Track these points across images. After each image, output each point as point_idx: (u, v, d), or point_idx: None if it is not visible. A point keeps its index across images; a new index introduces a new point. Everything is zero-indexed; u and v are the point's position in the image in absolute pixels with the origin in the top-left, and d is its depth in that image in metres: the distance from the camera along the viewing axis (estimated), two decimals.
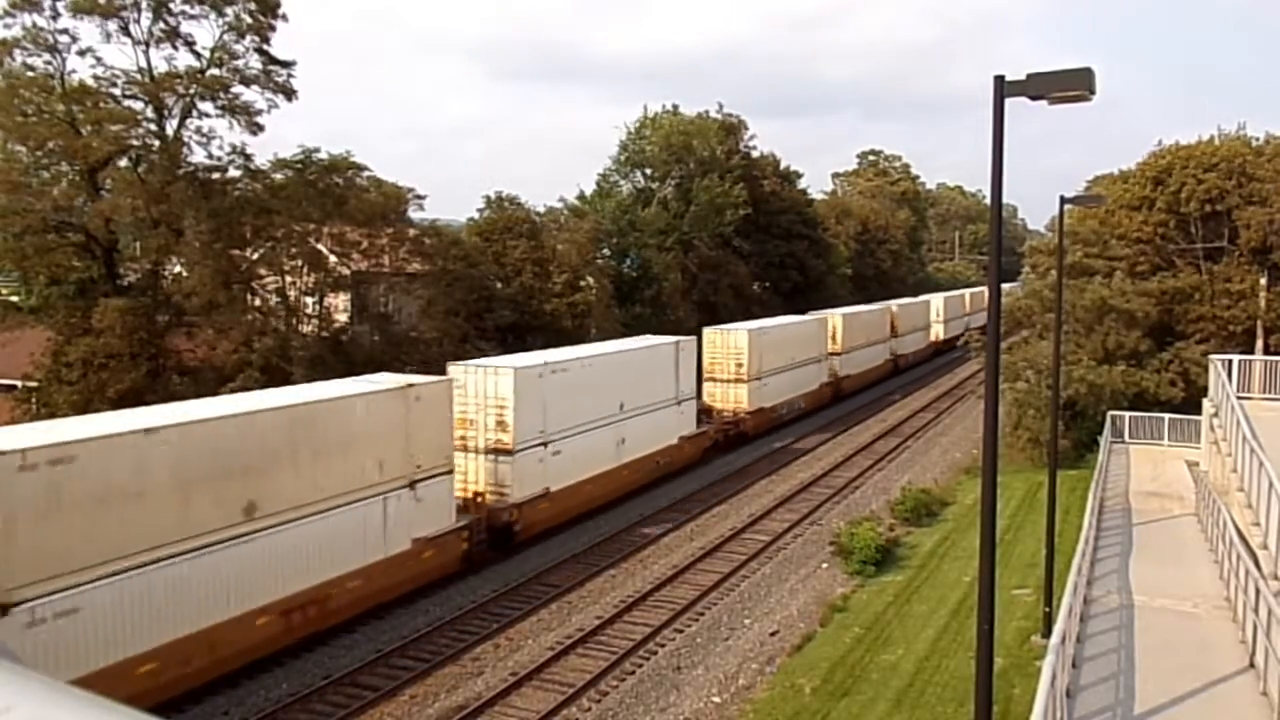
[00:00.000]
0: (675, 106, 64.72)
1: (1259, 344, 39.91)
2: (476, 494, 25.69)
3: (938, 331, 78.63)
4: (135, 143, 30.41)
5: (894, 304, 68.91)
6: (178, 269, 33.23)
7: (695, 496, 33.15)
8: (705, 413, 39.76)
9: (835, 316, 54.37)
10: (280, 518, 18.81)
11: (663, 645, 20.83)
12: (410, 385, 22.70)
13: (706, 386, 40.99)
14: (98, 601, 15.45)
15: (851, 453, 40.96)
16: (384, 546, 21.66)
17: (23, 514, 14.54)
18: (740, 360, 41.12)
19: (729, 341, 41.34)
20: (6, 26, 28.82)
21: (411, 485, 22.47)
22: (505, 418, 26.19)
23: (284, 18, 31.97)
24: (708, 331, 41.94)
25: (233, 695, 17.97)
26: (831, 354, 52.38)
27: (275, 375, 29.17)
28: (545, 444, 27.47)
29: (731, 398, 41.26)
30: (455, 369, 26.63)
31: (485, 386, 26.24)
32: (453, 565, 24.12)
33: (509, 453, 26.25)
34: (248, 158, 32.08)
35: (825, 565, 26.42)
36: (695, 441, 37.28)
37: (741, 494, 33.89)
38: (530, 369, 27.28)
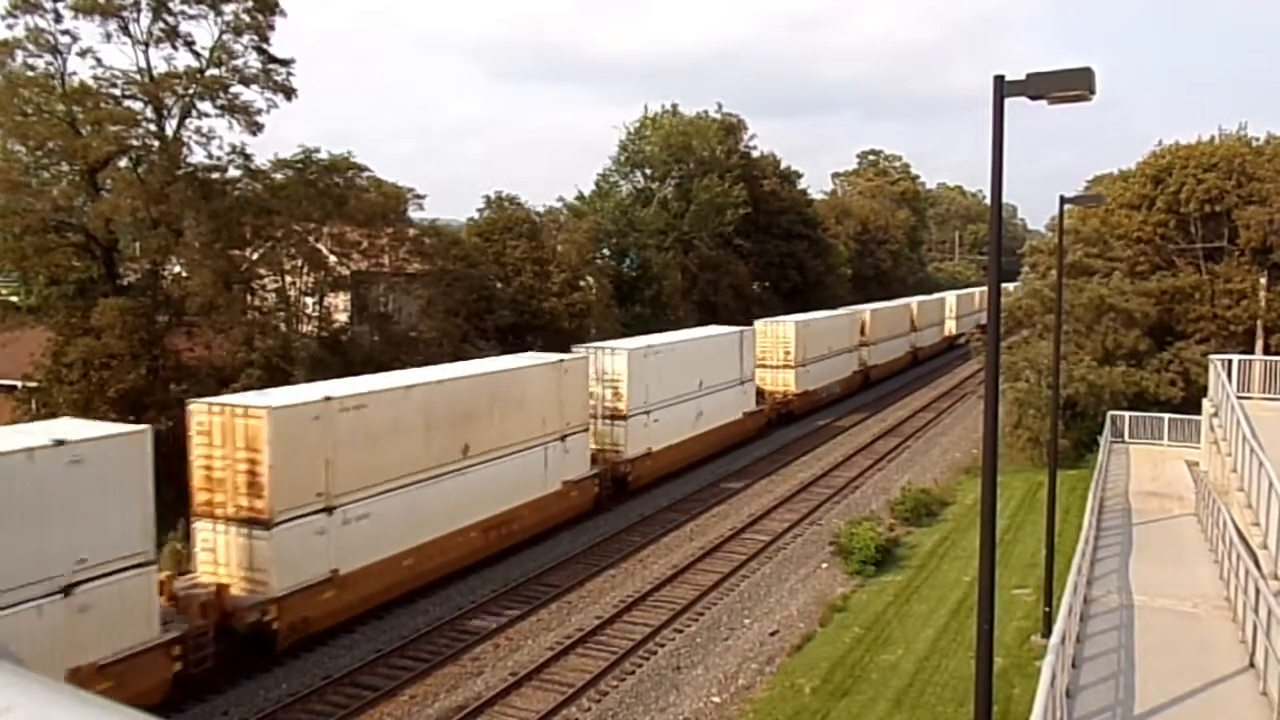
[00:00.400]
0: (674, 106, 64.82)
1: (1259, 344, 39.92)
2: (599, 449, 31.42)
3: (950, 326, 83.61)
4: (135, 143, 30.39)
5: (914, 301, 74.27)
6: (178, 269, 33.22)
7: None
8: (758, 394, 43.47)
9: (865, 312, 59.64)
10: (484, 457, 24.93)
11: (662, 645, 20.83)
12: (561, 360, 28.97)
13: (758, 372, 43.98)
14: (380, 510, 21.49)
15: (851, 453, 40.97)
16: (545, 485, 27.56)
17: (341, 443, 20.49)
18: (788, 349, 46.18)
19: (778, 332, 46.41)
20: (9, 27, 28.85)
21: (562, 438, 28.43)
22: (620, 389, 32.10)
23: (282, 13, 31.97)
24: (759, 323, 46.11)
25: (232, 695, 17.98)
26: (861, 345, 57.40)
27: (276, 375, 29.18)
28: (648, 412, 33.22)
29: (780, 381, 46.27)
30: (579, 350, 32.14)
31: (603, 364, 31.94)
32: (588, 505, 29.99)
33: (624, 418, 32.24)
34: (247, 157, 32.08)
35: (825, 565, 26.42)
36: (755, 418, 42.32)
37: (741, 494, 33.90)
38: (638, 350, 33.35)
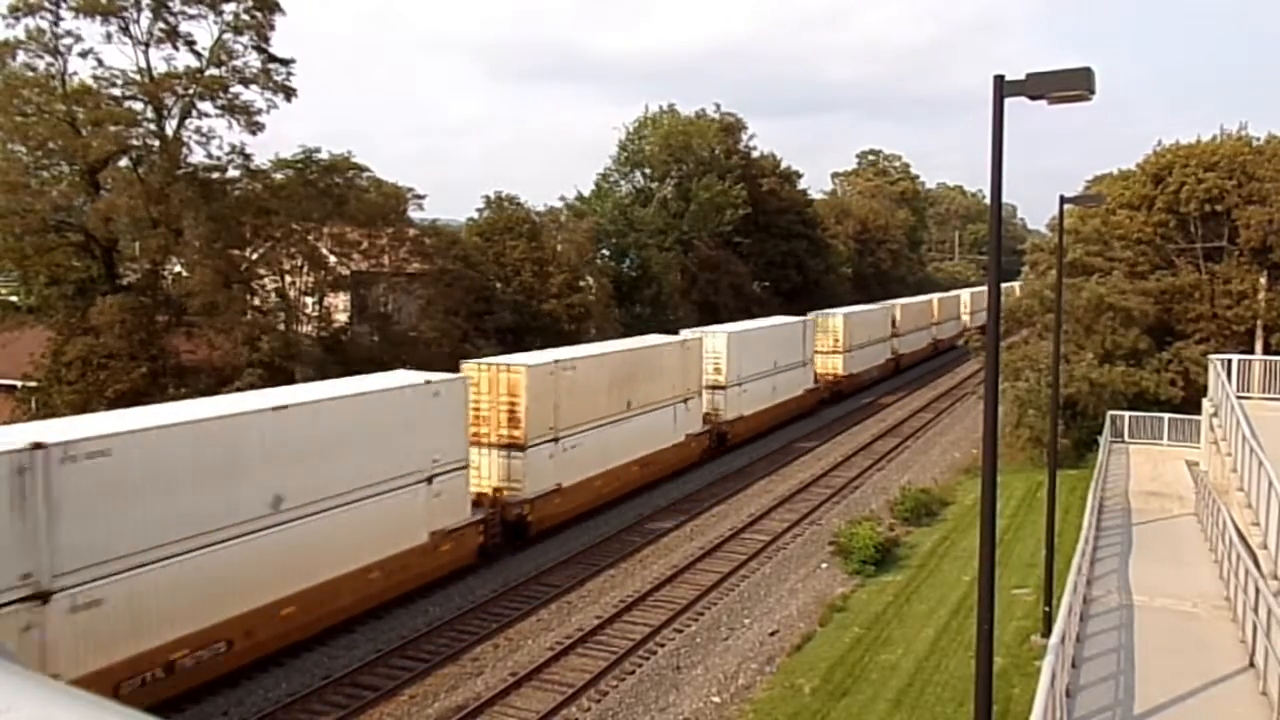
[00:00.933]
0: (672, 106, 64.84)
1: (1258, 343, 39.92)
2: (706, 414, 37.99)
3: (965, 321, 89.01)
4: (135, 143, 30.41)
5: (934, 297, 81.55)
6: (178, 269, 33.23)
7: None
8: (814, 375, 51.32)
9: (896, 306, 67.32)
10: (639, 411, 32.39)
11: (662, 645, 20.82)
12: (685, 340, 36.65)
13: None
14: (584, 442, 29.28)
15: (851, 453, 40.97)
16: (674, 436, 35.13)
17: (563, 394, 28.14)
18: (837, 337, 53.72)
19: (829, 324, 53.71)
20: (9, 26, 28.85)
21: (685, 401, 35.65)
22: (720, 365, 39.43)
23: (282, 12, 31.98)
24: (811, 315, 52.70)
25: (232, 695, 17.97)
26: (893, 335, 64.91)
27: (278, 374, 29.19)
28: (740, 384, 40.52)
29: (830, 365, 53.46)
30: (689, 333, 38.57)
31: (710, 345, 38.93)
32: (699, 456, 37.21)
33: (723, 388, 39.71)
34: (247, 157, 32.12)
35: (825, 565, 26.42)
36: (814, 394, 49.90)
37: (741, 494, 33.91)
38: (735, 333, 40.81)
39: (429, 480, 22.58)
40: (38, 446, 14.97)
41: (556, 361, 28.52)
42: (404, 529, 21.90)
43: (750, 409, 41.53)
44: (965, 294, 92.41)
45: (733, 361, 39.81)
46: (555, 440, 27.84)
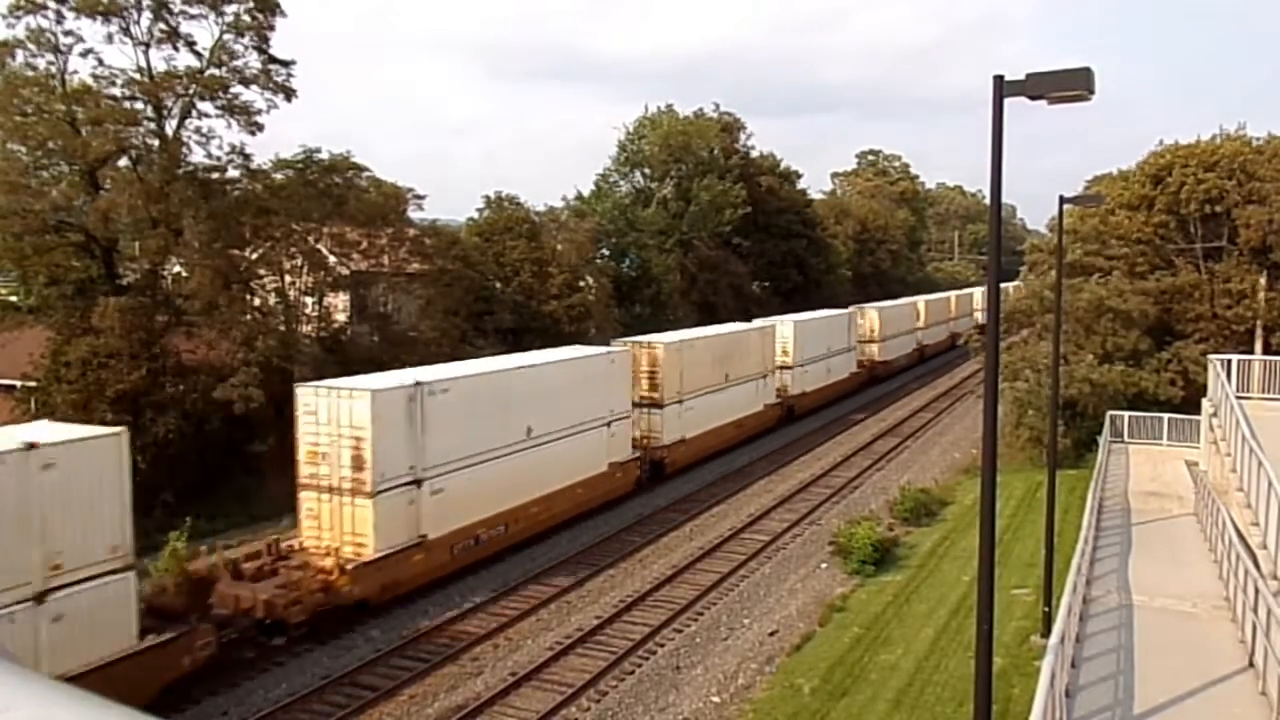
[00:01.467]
0: (670, 106, 64.81)
1: (1258, 343, 39.92)
2: (776, 389, 45.30)
3: (978, 317, 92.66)
4: (135, 142, 30.39)
5: (951, 295, 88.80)
6: (177, 269, 33.21)
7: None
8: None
9: (920, 301, 74.80)
10: (734, 383, 39.99)
11: (662, 645, 20.83)
12: (763, 327, 44.00)
13: None
14: (698, 405, 36.47)
15: (851, 453, 40.98)
16: (757, 405, 42.51)
17: (684, 367, 35.32)
18: (874, 327, 61.66)
19: (866, 316, 61.68)
20: (10, 26, 28.83)
21: (764, 377, 43.16)
22: (788, 348, 46.52)
23: (283, 13, 31.96)
24: (852, 308, 59.73)
25: (232, 695, 17.99)
26: (917, 328, 72.02)
27: (275, 374, 29.19)
28: (804, 366, 48.24)
29: (868, 352, 61.14)
30: (762, 321, 45.73)
31: (780, 331, 46.32)
32: (775, 422, 44.62)
33: (790, 368, 46.69)
34: (247, 157, 32.09)
35: (824, 565, 26.42)
36: (857, 376, 58.06)
37: (741, 494, 33.92)
38: (800, 322, 48.80)
39: (608, 424, 30.47)
40: (418, 383, 22.67)
41: (681, 340, 36.27)
42: (595, 458, 29.88)
43: (811, 386, 49.46)
44: (978, 292, 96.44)
45: (797, 345, 47.20)
46: (680, 402, 35.38)
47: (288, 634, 19.75)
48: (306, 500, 21.63)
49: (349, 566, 20.77)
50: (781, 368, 45.78)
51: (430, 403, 22.74)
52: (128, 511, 16.70)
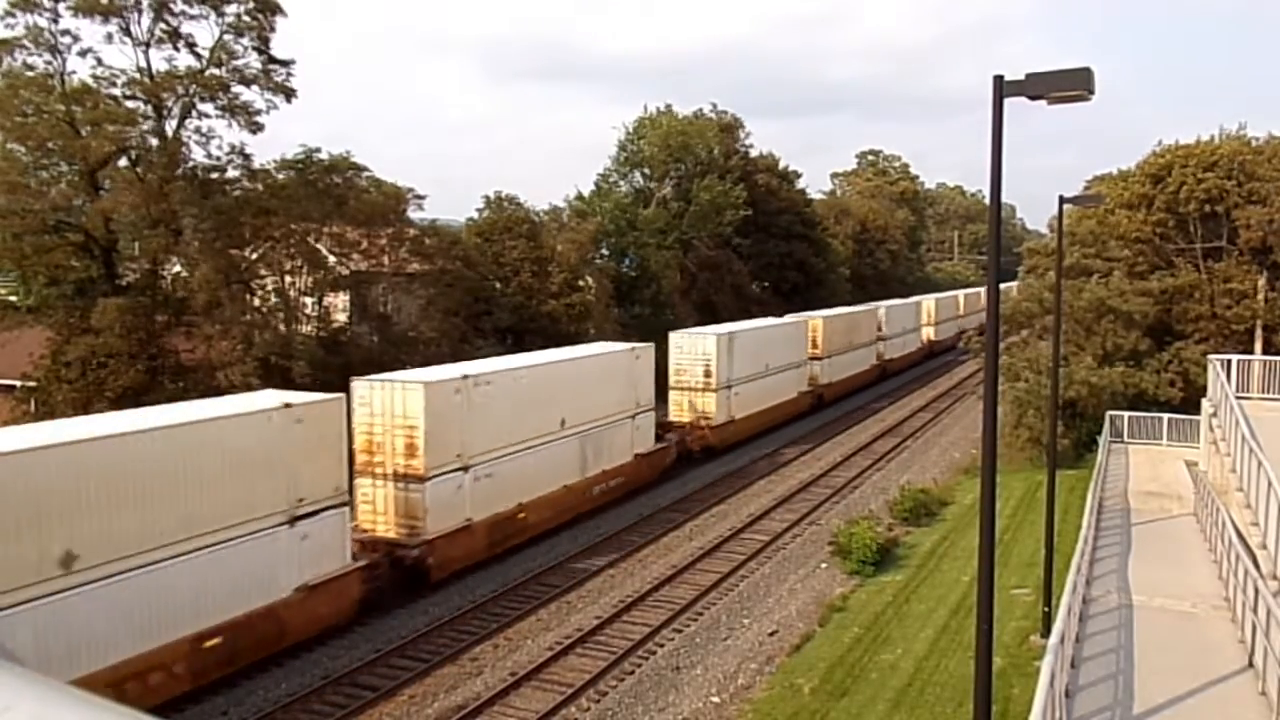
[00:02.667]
0: (669, 106, 64.82)
1: (1258, 344, 39.90)
2: (810, 378, 50.00)
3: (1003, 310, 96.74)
4: (135, 143, 30.38)
5: (960, 293, 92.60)
6: (177, 269, 33.20)
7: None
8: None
9: (929, 301, 79.27)
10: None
11: (662, 645, 20.82)
12: (796, 321, 48.87)
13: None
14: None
15: (850, 453, 40.98)
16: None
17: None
18: (930, 313, 74.56)
19: (923, 305, 74.94)
20: (8, 26, 28.80)
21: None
22: (818, 340, 50.90)
23: (283, 13, 31.96)
24: (915, 298, 74.55)
25: (232, 695, 17.97)
26: (923, 325, 75.93)
27: (274, 373, 29.18)
28: (841, 354, 54.02)
29: (924, 334, 73.41)
30: (793, 317, 50.40)
31: (879, 314, 60.50)
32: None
33: (820, 359, 51.03)
34: (247, 157, 32.10)
35: (824, 565, 26.42)
36: (922, 350, 72.96)
37: (740, 494, 33.91)
38: (891, 307, 62.22)
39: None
40: (466, 376, 24.40)
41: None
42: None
43: (840, 376, 54.34)
44: (984, 292, 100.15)
45: (828, 339, 51.87)
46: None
47: (715, 452, 38.33)
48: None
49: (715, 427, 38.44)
50: (812, 359, 50.25)
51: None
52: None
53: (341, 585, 20.43)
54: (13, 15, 28.50)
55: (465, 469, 24.13)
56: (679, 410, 38.55)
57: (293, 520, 19.04)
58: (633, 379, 32.73)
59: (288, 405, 19.07)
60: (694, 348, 38.75)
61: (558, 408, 28.03)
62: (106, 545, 15.38)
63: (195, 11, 30.58)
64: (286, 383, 26.15)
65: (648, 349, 34.34)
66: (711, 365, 38.49)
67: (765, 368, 42.78)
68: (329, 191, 33.89)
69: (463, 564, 24.03)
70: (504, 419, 25.48)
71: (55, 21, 28.91)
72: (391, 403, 22.89)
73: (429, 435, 22.74)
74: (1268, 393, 26.48)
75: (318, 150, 34.19)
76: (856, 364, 57.13)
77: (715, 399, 38.68)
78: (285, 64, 32.27)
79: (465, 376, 24.39)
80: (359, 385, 23.34)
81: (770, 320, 48.17)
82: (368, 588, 21.27)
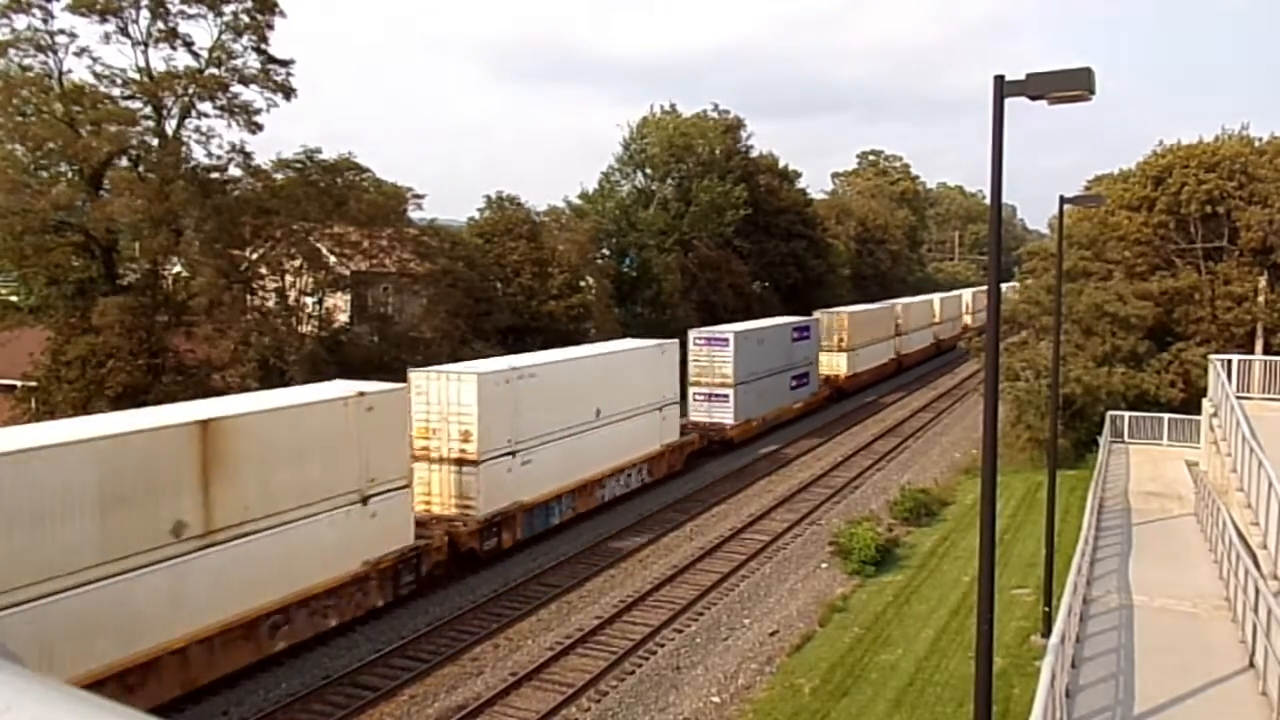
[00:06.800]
0: (673, 106, 64.83)
1: (1258, 344, 39.88)
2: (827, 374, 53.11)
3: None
4: (135, 143, 30.37)
5: (965, 292, 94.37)
6: (177, 269, 33.20)
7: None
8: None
9: (936, 299, 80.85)
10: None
11: (662, 645, 20.81)
12: (819, 318, 52.97)
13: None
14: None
15: (851, 453, 40.97)
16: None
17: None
18: (966, 304, 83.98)
19: (960, 297, 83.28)
20: (2, 27, 28.75)
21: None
22: (843, 336, 54.68)
23: (282, 13, 31.95)
24: (954, 291, 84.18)
25: (231, 695, 17.96)
26: (933, 324, 77.87)
27: (272, 373, 29.18)
28: (867, 346, 58.27)
29: (962, 321, 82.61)
30: (821, 313, 54.24)
31: (895, 310, 65.86)
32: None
33: (846, 351, 55.48)
34: (247, 156, 32.09)
35: (824, 565, 26.41)
36: (957, 336, 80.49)
37: (741, 494, 33.90)
38: (856, 314, 56.87)
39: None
40: (513, 368, 26.43)
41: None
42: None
43: (863, 367, 58.11)
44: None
45: (856, 335, 55.90)
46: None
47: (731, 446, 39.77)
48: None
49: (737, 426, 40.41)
50: (837, 349, 53.76)
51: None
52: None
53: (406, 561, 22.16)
54: (5, 17, 28.43)
55: (513, 454, 26.13)
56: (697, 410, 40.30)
57: (365, 499, 20.61)
58: (659, 374, 34.09)
59: (361, 394, 20.67)
60: (712, 355, 40.40)
61: (593, 399, 29.83)
62: (212, 516, 17.10)
63: (193, 11, 30.58)
64: (285, 384, 26.12)
65: (673, 345, 35.46)
66: (726, 366, 40.23)
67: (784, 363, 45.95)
68: (329, 192, 33.88)
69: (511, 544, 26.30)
70: (545, 409, 27.27)
71: (47, 21, 28.85)
72: (446, 393, 24.78)
73: (482, 422, 24.67)
74: (1268, 393, 26.47)
75: (318, 150, 34.22)
76: (878, 357, 61.32)
77: (734, 398, 40.42)
78: (284, 63, 32.28)
79: (513, 369, 26.54)
80: (416, 376, 25.07)
81: (791, 320, 49.11)
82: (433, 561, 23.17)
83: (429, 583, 23.27)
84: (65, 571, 14.55)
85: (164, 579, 16.21)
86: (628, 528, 29.19)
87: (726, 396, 40.19)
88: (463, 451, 24.74)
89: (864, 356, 57.14)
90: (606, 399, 30.47)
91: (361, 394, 20.57)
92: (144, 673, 15.90)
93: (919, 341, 72.18)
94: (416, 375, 25.18)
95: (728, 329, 42.08)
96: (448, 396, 24.73)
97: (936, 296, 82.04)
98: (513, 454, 25.94)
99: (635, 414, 32.42)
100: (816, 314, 53.27)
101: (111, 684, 15.05)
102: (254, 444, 17.93)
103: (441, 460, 24.85)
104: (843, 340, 54.13)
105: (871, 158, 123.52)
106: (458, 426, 24.71)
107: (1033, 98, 9.72)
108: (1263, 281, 41.14)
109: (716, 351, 40.20)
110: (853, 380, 55.00)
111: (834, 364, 53.72)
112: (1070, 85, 9.56)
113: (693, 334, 40.89)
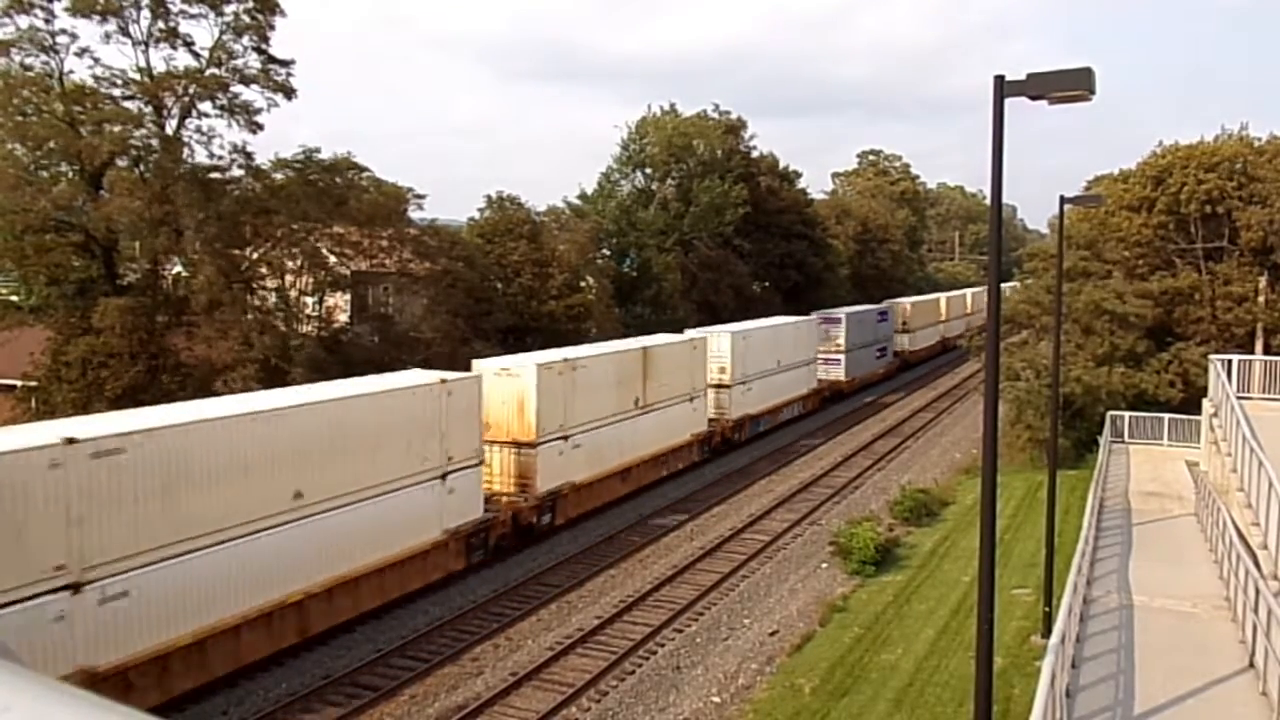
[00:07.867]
0: (673, 106, 64.77)
1: (1258, 345, 39.88)
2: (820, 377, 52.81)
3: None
4: (136, 143, 30.35)
5: (968, 292, 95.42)
6: (177, 269, 33.19)
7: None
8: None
9: (942, 299, 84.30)
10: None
11: (662, 645, 20.82)
12: (908, 303, 68.41)
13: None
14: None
15: (851, 453, 40.97)
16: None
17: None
18: (907, 319, 73.97)
19: (903, 308, 74.58)
20: (1, 26, 28.74)
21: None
22: (905, 319, 67.39)
23: (282, 13, 31.93)
24: (980, 287, 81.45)
25: (232, 695, 17.96)
26: (938, 322, 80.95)
27: (273, 374, 29.16)
28: (922, 329, 69.17)
29: (900, 342, 74.66)
30: (818, 314, 54.67)
31: (940, 301, 78.10)
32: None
33: (910, 328, 66.90)
34: (248, 156, 32.06)
35: (825, 565, 26.41)
36: (939, 343, 78.45)
37: (741, 494, 33.90)
38: (852, 315, 56.37)
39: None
40: (567, 359, 28.69)
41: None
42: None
43: (918, 347, 69.10)
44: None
45: (852, 335, 56.50)
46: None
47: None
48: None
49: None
50: (830, 354, 55.11)
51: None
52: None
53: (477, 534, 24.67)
54: (7, 17, 28.42)
55: (565, 438, 28.36)
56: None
57: (444, 476, 23.00)
58: (690, 367, 36.22)
59: (443, 381, 23.02)
60: (710, 347, 40.95)
61: (633, 389, 32.15)
62: (323, 486, 19.49)
63: (194, 11, 30.56)
64: (287, 384, 26.09)
65: (703, 340, 37.68)
66: (726, 364, 41.23)
67: (777, 364, 46.71)
68: (329, 191, 33.85)
69: (568, 517, 28.90)
70: (593, 397, 29.64)
71: (49, 21, 28.84)
72: (508, 381, 26.97)
73: (540, 408, 27.04)
74: (1268, 393, 26.48)
75: (317, 150, 34.20)
76: (879, 359, 64.78)
77: (731, 396, 41.27)
78: (285, 63, 32.24)
79: (565, 360, 28.75)
80: (477, 365, 27.45)
81: (792, 319, 51.22)
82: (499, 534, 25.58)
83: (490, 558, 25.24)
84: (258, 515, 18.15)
85: (280, 539, 18.60)
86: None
87: (839, 360, 52.52)
88: (523, 434, 27.12)
89: (920, 337, 70.24)
90: (645, 389, 32.78)
91: (443, 380, 22.90)
92: (269, 620, 18.51)
93: (958, 328, 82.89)
94: (480, 365, 27.42)
95: (840, 311, 54.40)
96: (509, 384, 26.91)
97: (969, 291, 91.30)
98: (564, 438, 28.12)
99: (670, 404, 34.71)
100: (885, 303, 64.99)
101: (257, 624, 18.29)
102: (366, 423, 20.49)
103: (502, 443, 27.15)
104: (905, 323, 67.01)
105: (871, 158, 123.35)
106: (519, 411, 27.05)
107: (1033, 98, 9.72)
108: (1263, 281, 41.14)
109: (832, 327, 52.33)
110: (915, 355, 69.00)
111: (900, 342, 66.01)
112: (1070, 85, 9.56)
113: (815, 314, 52.81)
